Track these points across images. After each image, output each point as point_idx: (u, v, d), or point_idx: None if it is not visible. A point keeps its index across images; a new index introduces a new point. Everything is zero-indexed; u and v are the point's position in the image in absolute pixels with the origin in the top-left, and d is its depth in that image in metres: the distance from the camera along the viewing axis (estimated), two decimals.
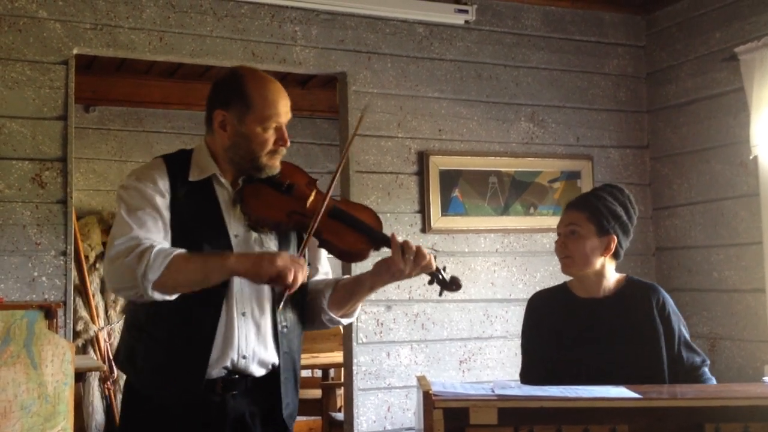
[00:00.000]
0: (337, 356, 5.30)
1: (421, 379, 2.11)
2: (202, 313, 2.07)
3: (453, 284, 2.22)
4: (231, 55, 3.95)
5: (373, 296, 4.03)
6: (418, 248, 2.14)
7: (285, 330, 2.19)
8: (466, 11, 4.35)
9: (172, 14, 3.87)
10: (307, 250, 2.20)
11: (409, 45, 4.32)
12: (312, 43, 4.13)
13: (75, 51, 3.71)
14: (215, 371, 2.09)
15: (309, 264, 2.27)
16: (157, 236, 2.04)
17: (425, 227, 4.24)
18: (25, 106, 3.60)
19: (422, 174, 4.27)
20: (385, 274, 2.19)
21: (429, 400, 1.91)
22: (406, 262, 2.13)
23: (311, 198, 2.18)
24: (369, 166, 4.19)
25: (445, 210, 4.30)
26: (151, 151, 6.57)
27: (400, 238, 2.16)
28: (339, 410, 5.19)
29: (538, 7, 4.60)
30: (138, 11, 3.82)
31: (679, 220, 4.57)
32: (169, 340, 2.09)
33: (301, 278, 1.99)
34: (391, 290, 4.15)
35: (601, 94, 4.72)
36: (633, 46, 4.81)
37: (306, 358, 5.76)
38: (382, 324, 4.14)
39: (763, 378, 3.80)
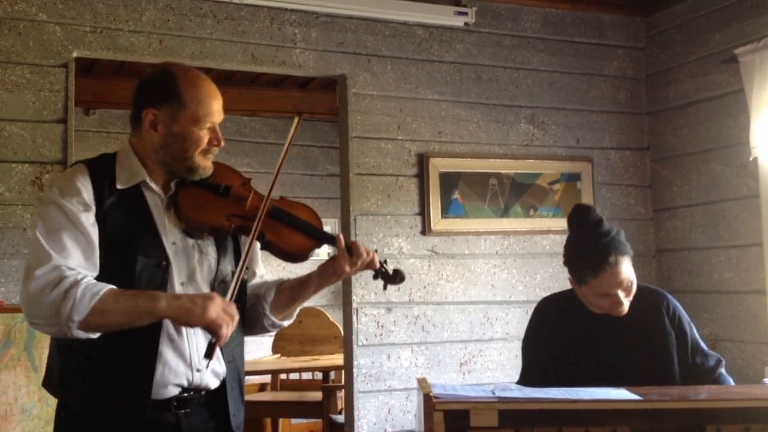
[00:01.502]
0: (338, 359, 5.31)
1: (421, 381, 2.11)
2: (142, 329, 1.92)
3: (396, 277, 2.20)
4: (231, 58, 3.96)
5: (373, 298, 4.07)
6: (359, 245, 2.13)
7: (228, 339, 2.06)
8: (465, 13, 4.36)
9: (171, 17, 3.87)
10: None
11: (409, 47, 4.32)
12: (312, 45, 4.13)
13: (75, 54, 3.71)
14: (168, 389, 1.99)
15: (247, 268, 2.18)
16: (79, 261, 1.90)
17: (425, 229, 4.24)
18: (25, 109, 3.60)
19: (422, 176, 4.28)
20: (331, 275, 2.16)
21: (429, 403, 1.91)
22: (352, 262, 2.11)
23: (249, 199, 2.11)
24: (369, 169, 4.19)
25: (445, 212, 4.30)
26: None
27: (341, 236, 2.13)
28: (339, 412, 5.18)
29: (537, 9, 4.60)
30: (137, 14, 3.82)
31: (679, 221, 4.57)
32: (107, 359, 1.95)
33: (233, 328, 1.92)
34: (392, 293, 4.15)
35: (601, 96, 4.72)
36: (633, 47, 4.81)
37: (306, 361, 5.78)
38: (382, 326, 4.13)
39: (764, 379, 3.81)
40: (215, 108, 2.07)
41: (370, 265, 2.15)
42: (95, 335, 1.90)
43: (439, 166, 4.30)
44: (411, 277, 4.20)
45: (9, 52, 3.60)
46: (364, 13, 4.20)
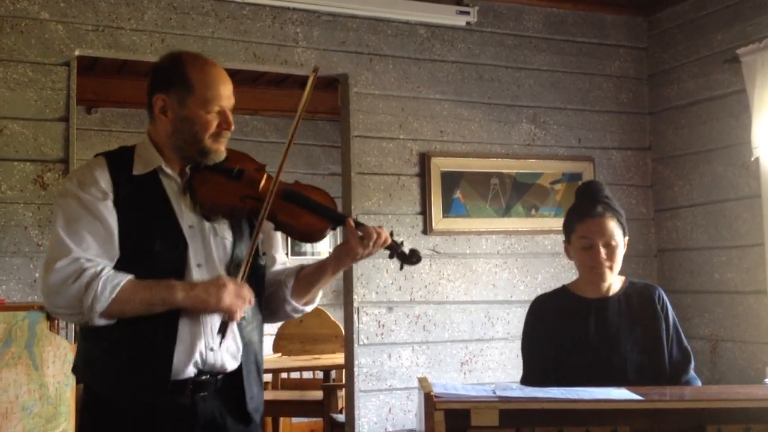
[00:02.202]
0: (339, 358, 5.30)
1: (422, 381, 2.11)
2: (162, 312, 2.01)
3: (413, 256, 2.22)
4: (232, 57, 3.96)
5: (374, 298, 4.08)
6: (372, 226, 2.15)
7: (243, 322, 2.13)
8: (467, 13, 4.35)
9: (173, 16, 3.88)
10: (261, 240, 2.20)
11: (411, 46, 4.32)
12: (313, 44, 4.13)
13: (77, 52, 3.71)
14: (185, 370, 2.03)
15: (265, 254, 2.26)
16: (96, 251, 1.97)
17: (426, 229, 4.24)
18: (27, 107, 3.60)
19: (424, 175, 4.27)
20: (345, 257, 2.19)
21: (430, 402, 1.91)
22: (364, 244, 2.14)
23: (262, 182, 2.16)
24: (370, 168, 4.19)
25: (447, 211, 4.30)
26: None
27: (353, 220, 2.16)
28: (340, 412, 5.18)
29: (539, 9, 4.60)
30: (140, 13, 3.82)
31: (680, 221, 4.57)
32: (128, 342, 2.02)
33: (242, 312, 2.01)
34: (393, 292, 4.15)
35: (602, 96, 4.72)
36: (635, 47, 4.81)
37: (307, 360, 5.77)
38: (383, 325, 4.14)
39: (765, 380, 3.80)
40: (223, 92, 2.10)
41: (383, 243, 2.16)
42: (114, 321, 1.99)
43: (440, 165, 4.30)
44: (412, 276, 4.21)
45: (11, 50, 3.60)
46: (366, 12, 4.20)
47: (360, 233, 2.15)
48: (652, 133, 4.78)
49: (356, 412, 4.06)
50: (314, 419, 6.40)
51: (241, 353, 2.13)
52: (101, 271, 1.94)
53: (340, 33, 4.19)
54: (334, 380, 5.69)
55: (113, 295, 1.92)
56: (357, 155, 4.16)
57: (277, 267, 2.32)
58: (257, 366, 2.20)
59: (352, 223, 2.15)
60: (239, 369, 2.13)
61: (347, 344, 4.19)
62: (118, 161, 2.11)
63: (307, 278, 2.25)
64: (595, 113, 4.69)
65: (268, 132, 7.23)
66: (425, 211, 4.26)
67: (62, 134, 3.64)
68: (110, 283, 1.92)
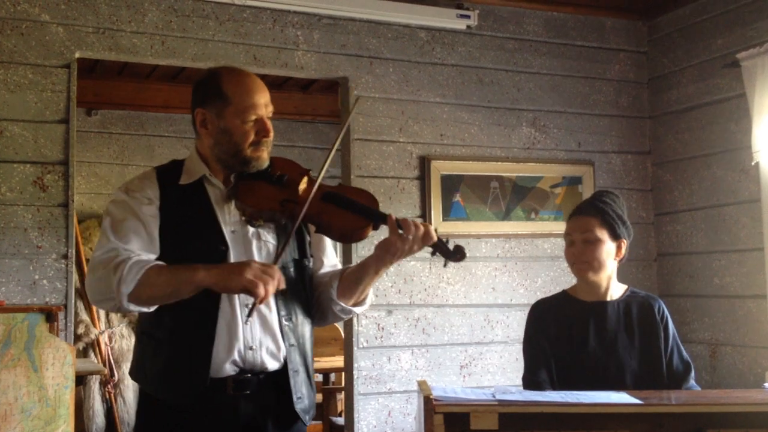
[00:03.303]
0: (338, 360, 5.30)
1: (421, 384, 2.11)
2: (201, 309, 2.07)
3: (457, 253, 2.18)
4: (233, 59, 3.96)
5: (374, 301, 4.06)
6: (415, 222, 2.13)
7: (289, 323, 2.17)
8: (468, 16, 4.36)
9: (174, 18, 3.88)
10: (309, 242, 2.25)
11: (411, 50, 4.32)
12: (314, 47, 4.13)
13: (77, 55, 3.72)
14: (225, 367, 2.08)
15: (313, 256, 2.30)
16: (137, 246, 2.05)
17: None
18: (27, 109, 3.60)
19: (424, 179, 4.27)
20: (386, 255, 2.17)
21: (430, 405, 1.91)
22: (404, 239, 2.12)
23: (303, 185, 2.18)
24: (370, 171, 4.19)
25: (447, 215, 4.30)
26: (152, 155, 6.59)
27: (395, 216, 2.14)
28: (339, 415, 5.18)
29: (540, 13, 4.60)
30: (140, 15, 3.82)
31: (680, 225, 4.57)
32: (170, 341, 2.10)
33: (273, 288, 1.95)
34: (392, 295, 4.15)
35: (602, 100, 4.72)
36: (635, 51, 4.81)
37: None
38: (383, 328, 4.13)
39: (764, 384, 3.80)
40: (258, 100, 2.15)
41: (425, 239, 2.14)
42: (150, 308, 2.05)
43: (440, 168, 4.30)
44: (411, 279, 4.21)
45: (12, 53, 3.60)
46: (366, 15, 4.20)
47: (400, 229, 2.13)
48: (652, 137, 4.79)
49: (356, 415, 4.06)
50: (314, 422, 6.39)
51: (283, 353, 2.16)
52: (132, 257, 2.00)
53: (341, 36, 4.19)
54: (333, 383, 5.69)
55: (138, 276, 1.95)
56: (357, 158, 4.16)
57: (326, 269, 2.34)
58: (306, 367, 2.23)
59: (394, 219, 2.14)
60: (284, 369, 2.16)
61: (347, 347, 4.19)
62: (167, 172, 2.21)
63: (350, 277, 2.26)
64: (595, 117, 4.69)
65: None
66: (425, 215, 4.25)
67: (62, 136, 3.64)
68: (137, 265, 1.97)
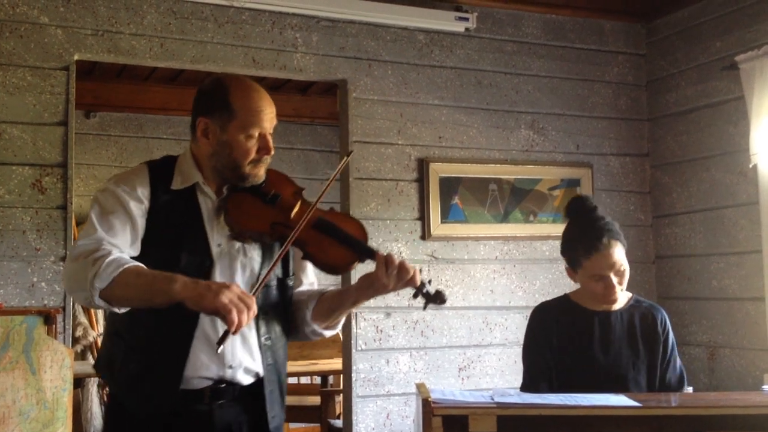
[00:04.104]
0: (336, 363, 5.30)
1: (420, 387, 2.11)
2: (178, 322, 2.01)
3: (437, 298, 2.14)
4: (232, 62, 3.96)
5: (372, 303, 4.06)
6: (402, 263, 2.10)
7: (269, 342, 2.16)
8: (466, 19, 4.36)
9: (173, 20, 3.88)
10: (292, 258, 2.21)
11: (410, 52, 4.33)
12: (313, 49, 4.13)
13: (76, 57, 3.72)
14: (200, 382, 2.05)
15: (293, 274, 2.26)
16: (123, 241, 2.00)
17: (425, 234, 4.24)
18: (26, 111, 3.60)
19: (422, 181, 4.28)
20: (369, 288, 2.14)
21: (428, 408, 1.91)
22: (390, 276, 2.09)
23: (296, 209, 2.14)
24: (369, 173, 4.19)
25: (445, 217, 4.30)
26: (151, 157, 6.52)
27: (384, 253, 2.11)
28: (338, 417, 5.18)
29: (538, 15, 4.61)
30: (139, 17, 3.82)
31: (678, 228, 4.57)
32: (143, 349, 2.05)
33: (246, 319, 1.86)
34: (391, 297, 4.15)
35: (601, 102, 4.72)
36: (633, 54, 4.81)
37: (305, 365, 5.77)
38: (381, 331, 4.13)
39: (763, 386, 3.80)
40: (264, 116, 2.11)
41: (410, 282, 2.11)
42: (120, 309, 1.97)
43: (439, 171, 4.30)
44: None
45: (10, 55, 3.60)
46: (365, 17, 4.20)
47: (388, 266, 2.10)
48: (651, 140, 4.79)
49: (354, 418, 4.06)
50: (312, 425, 6.38)
51: (261, 372, 2.14)
52: (113, 252, 1.93)
53: (339, 38, 4.19)
54: (331, 386, 5.68)
55: (115, 274, 1.87)
56: (355, 160, 4.16)
57: (304, 287, 2.31)
58: (281, 386, 2.22)
59: (383, 257, 2.11)
60: (261, 385, 2.14)
61: (345, 349, 4.19)
62: (159, 172, 2.14)
63: (328, 302, 2.23)
64: (594, 119, 4.70)
65: None
66: (423, 217, 4.25)
67: (61, 138, 3.64)
68: (115, 263, 1.89)
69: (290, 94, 6.36)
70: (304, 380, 6.22)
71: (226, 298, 1.84)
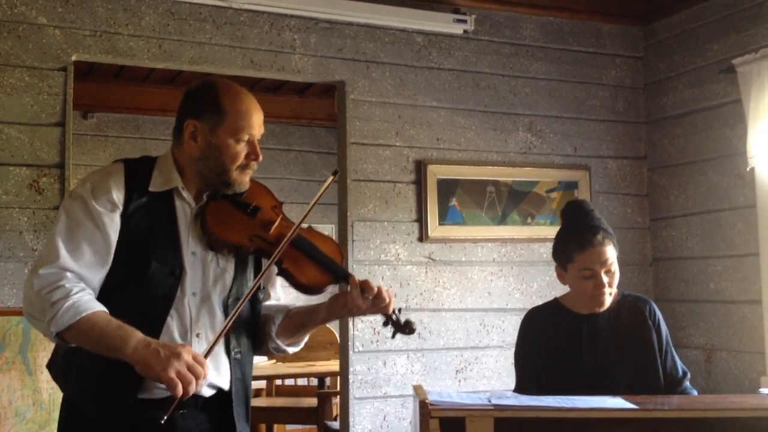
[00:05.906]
0: (333, 365, 5.30)
1: (417, 389, 2.11)
2: (143, 325, 1.93)
3: (406, 327, 2.15)
4: (230, 63, 3.96)
5: None
6: (380, 289, 2.10)
7: (238, 356, 2.12)
8: (464, 21, 4.36)
9: (171, 21, 3.88)
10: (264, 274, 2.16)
11: (408, 54, 4.33)
12: (311, 51, 4.13)
13: (74, 57, 3.71)
14: (161, 392, 1.95)
15: (264, 288, 2.23)
16: (88, 265, 1.94)
17: (422, 236, 4.24)
18: (24, 112, 3.60)
19: (420, 183, 4.28)
20: (341, 309, 2.13)
21: (425, 410, 1.91)
22: (366, 301, 2.09)
23: (276, 224, 2.11)
24: (366, 175, 4.19)
25: (443, 219, 4.30)
26: None
27: (359, 278, 2.11)
28: (335, 419, 5.18)
29: (536, 18, 4.61)
30: (137, 18, 3.82)
31: (676, 230, 4.58)
32: (100, 360, 1.94)
33: (192, 389, 1.83)
34: None
35: (599, 105, 4.73)
36: (631, 57, 4.82)
37: (302, 367, 5.77)
38: (378, 332, 4.13)
39: (759, 389, 3.80)
40: (254, 122, 2.09)
41: (383, 309, 2.11)
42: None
43: (436, 173, 4.31)
44: (408, 283, 4.20)
45: (8, 55, 3.59)
46: (363, 19, 4.20)
47: (362, 287, 2.10)
48: (648, 143, 4.79)
49: (351, 420, 4.06)
50: (308, 426, 6.38)
51: (227, 383, 2.09)
52: (74, 293, 1.89)
53: (338, 40, 4.19)
54: (328, 387, 5.68)
55: (71, 322, 1.86)
56: (353, 162, 4.16)
57: (271, 302, 2.28)
58: (246, 400, 2.17)
59: (356, 281, 2.11)
60: (229, 402, 2.10)
61: (342, 351, 4.18)
62: (136, 172, 2.07)
63: (295, 319, 2.20)
64: (591, 122, 4.70)
65: (264, 138, 7.19)
66: (421, 219, 4.26)
67: (58, 139, 3.64)
68: (73, 309, 1.86)
69: (288, 96, 6.37)
70: (301, 382, 6.22)
71: (173, 370, 1.82)
